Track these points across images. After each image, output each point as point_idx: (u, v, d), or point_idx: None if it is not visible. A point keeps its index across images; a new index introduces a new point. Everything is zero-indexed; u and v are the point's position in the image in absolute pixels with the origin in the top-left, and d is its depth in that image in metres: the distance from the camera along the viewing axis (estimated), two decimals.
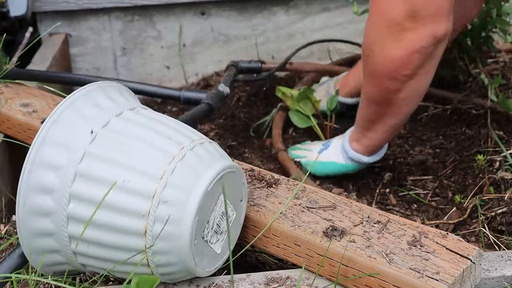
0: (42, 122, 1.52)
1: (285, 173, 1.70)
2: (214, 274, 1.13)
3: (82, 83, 1.69)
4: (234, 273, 1.17)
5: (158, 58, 2.29)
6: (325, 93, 1.95)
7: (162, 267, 1.05)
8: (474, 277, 1.08)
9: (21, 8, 2.09)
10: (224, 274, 1.14)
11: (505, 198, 1.48)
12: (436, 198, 1.64)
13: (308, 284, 1.12)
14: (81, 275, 1.23)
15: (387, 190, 1.67)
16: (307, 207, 1.21)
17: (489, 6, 1.82)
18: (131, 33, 2.25)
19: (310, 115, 1.85)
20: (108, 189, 1.03)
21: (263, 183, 1.27)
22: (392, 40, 1.35)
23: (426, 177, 1.71)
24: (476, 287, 1.10)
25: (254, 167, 1.32)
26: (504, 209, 1.46)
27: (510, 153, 1.66)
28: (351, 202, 1.22)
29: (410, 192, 1.65)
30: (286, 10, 2.28)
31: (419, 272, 1.05)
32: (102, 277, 1.15)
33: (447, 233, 1.13)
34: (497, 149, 1.72)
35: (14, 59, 1.95)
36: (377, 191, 1.67)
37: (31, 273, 1.10)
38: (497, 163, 1.67)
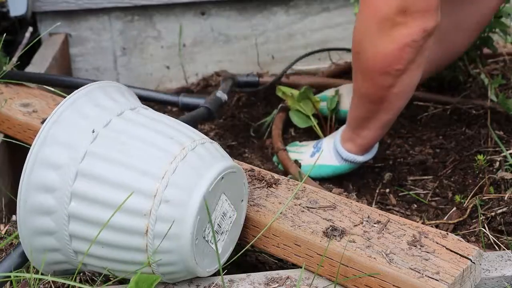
0: (42, 122, 1.53)
1: (285, 173, 1.70)
2: (214, 274, 1.13)
3: (79, 86, 1.69)
4: (234, 273, 1.17)
5: (158, 58, 2.29)
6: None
7: (163, 267, 1.05)
8: (474, 277, 1.08)
9: (21, 8, 2.09)
10: (224, 274, 1.14)
11: (505, 198, 1.48)
12: (436, 198, 1.64)
13: (308, 284, 1.12)
14: (81, 274, 1.23)
15: (387, 190, 1.67)
16: (307, 207, 1.21)
17: None
18: (131, 33, 2.25)
19: (310, 115, 1.85)
20: (109, 188, 1.03)
21: (263, 183, 1.27)
22: (383, 35, 1.36)
23: (426, 177, 1.71)
24: (476, 287, 1.10)
25: (254, 167, 1.32)
26: (504, 209, 1.46)
27: (510, 153, 1.66)
28: (351, 202, 1.22)
29: (410, 192, 1.65)
30: (286, 10, 2.28)
31: (419, 272, 1.05)
32: (102, 277, 1.15)
33: (447, 233, 1.13)
34: (497, 149, 1.72)
35: (14, 59, 1.95)
36: (377, 191, 1.67)
37: (32, 272, 1.10)
38: (497, 163, 1.67)
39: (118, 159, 1.05)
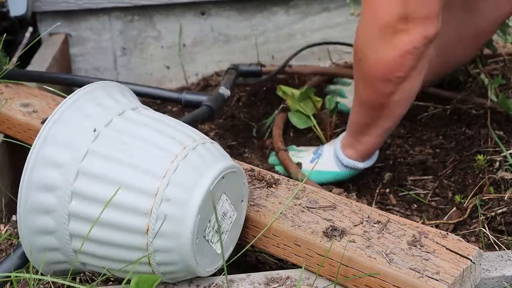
0: (42, 122, 1.53)
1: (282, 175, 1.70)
2: (214, 274, 1.13)
3: (81, 84, 1.69)
4: (234, 273, 1.17)
5: (158, 58, 2.29)
6: None
7: (163, 266, 1.06)
8: (474, 277, 1.08)
9: (21, 8, 2.09)
10: (224, 274, 1.14)
11: (505, 198, 1.48)
12: (436, 198, 1.64)
13: (308, 284, 1.12)
14: (81, 274, 1.23)
15: (387, 190, 1.67)
16: (307, 207, 1.21)
17: None
18: (131, 33, 2.25)
19: (310, 115, 1.85)
20: (110, 187, 1.03)
21: (263, 183, 1.27)
22: (385, 42, 1.36)
23: (426, 177, 1.71)
24: (476, 287, 1.10)
25: (254, 167, 1.32)
26: (504, 209, 1.46)
27: (510, 153, 1.66)
28: (351, 202, 1.22)
29: (410, 192, 1.65)
30: (286, 10, 2.28)
31: (419, 272, 1.05)
32: (101, 276, 1.15)
33: (447, 233, 1.13)
34: (497, 149, 1.72)
35: (14, 59, 1.95)
36: (377, 191, 1.67)
37: (32, 272, 1.10)
38: (497, 163, 1.67)
39: (119, 158, 1.05)
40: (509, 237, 1.41)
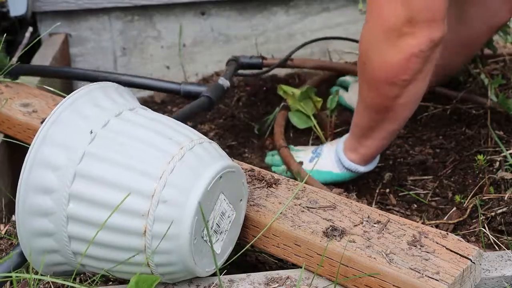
0: (42, 122, 1.53)
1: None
2: (214, 274, 1.13)
3: (85, 77, 1.69)
4: (234, 273, 1.17)
5: (158, 58, 2.29)
6: None
7: (161, 267, 1.05)
8: (474, 277, 1.08)
9: (21, 8, 2.09)
10: (224, 274, 1.14)
11: (505, 198, 1.48)
12: (436, 198, 1.64)
13: (308, 284, 1.12)
14: (81, 275, 1.23)
15: (387, 190, 1.67)
16: (307, 207, 1.21)
17: None
18: (131, 33, 2.25)
19: (310, 115, 1.85)
20: (107, 189, 1.03)
21: (263, 183, 1.27)
22: (390, 45, 1.36)
23: (426, 177, 1.71)
24: (476, 287, 1.10)
25: (254, 167, 1.32)
26: (504, 209, 1.46)
27: (510, 153, 1.66)
28: (351, 202, 1.22)
29: (410, 192, 1.65)
30: (286, 10, 2.28)
31: (419, 272, 1.05)
32: (100, 277, 1.15)
33: (447, 233, 1.13)
34: (497, 149, 1.72)
35: (14, 59, 1.95)
36: (377, 191, 1.67)
37: (32, 272, 1.10)
38: (497, 163, 1.67)
39: (116, 160, 1.05)
40: (509, 237, 1.41)
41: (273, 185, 1.27)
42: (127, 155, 1.05)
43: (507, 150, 1.68)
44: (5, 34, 1.73)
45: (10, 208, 1.55)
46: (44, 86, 1.72)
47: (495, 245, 1.38)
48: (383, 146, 1.59)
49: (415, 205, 1.62)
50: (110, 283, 1.20)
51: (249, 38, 2.30)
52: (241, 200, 1.15)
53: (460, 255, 1.08)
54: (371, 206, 1.46)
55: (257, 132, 1.95)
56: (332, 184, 1.66)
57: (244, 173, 1.16)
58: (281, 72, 2.26)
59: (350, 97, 1.92)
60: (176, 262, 1.05)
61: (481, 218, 1.46)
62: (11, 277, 1.07)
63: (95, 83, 1.16)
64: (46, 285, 1.21)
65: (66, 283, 1.03)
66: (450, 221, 1.51)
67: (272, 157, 1.77)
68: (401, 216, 1.31)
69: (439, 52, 1.39)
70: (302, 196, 1.24)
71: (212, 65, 2.31)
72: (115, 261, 1.06)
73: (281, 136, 1.81)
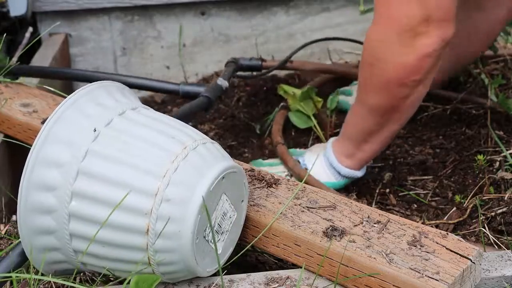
0: (42, 122, 1.53)
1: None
2: (215, 274, 1.13)
3: (84, 78, 1.69)
4: (234, 273, 1.17)
5: (158, 58, 2.29)
6: None
7: (163, 266, 1.06)
8: (474, 277, 1.08)
9: (21, 8, 2.09)
10: (224, 274, 1.14)
11: (505, 198, 1.48)
12: (436, 198, 1.64)
13: (308, 284, 1.12)
14: (81, 274, 1.23)
15: (387, 190, 1.67)
16: (307, 207, 1.21)
17: None
18: (131, 33, 2.25)
19: (311, 115, 1.85)
20: (110, 187, 1.03)
21: (263, 183, 1.27)
22: (404, 46, 1.34)
23: (426, 177, 1.71)
24: (476, 287, 1.10)
25: (254, 167, 1.32)
26: (504, 209, 1.46)
27: (510, 153, 1.66)
28: (351, 202, 1.22)
29: (410, 192, 1.65)
30: (286, 10, 2.28)
31: (419, 272, 1.05)
32: (101, 277, 1.15)
33: (447, 233, 1.13)
34: (497, 149, 1.72)
35: (14, 59, 1.95)
36: (377, 191, 1.67)
37: (32, 272, 1.10)
38: (497, 163, 1.67)
39: (120, 158, 1.05)
40: (509, 237, 1.41)
41: (273, 185, 1.27)
42: (131, 154, 1.05)
43: (507, 150, 1.68)
44: (5, 34, 1.73)
45: (10, 208, 1.55)
46: (44, 86, 1.72)
47: (495, 245, 1.38)
48: (380, 150, 1.57)
49: (415, 205, 1.62)
50: (110, 283, 1.20)
51: (249, 38, 2.30)
52: (242, 201, 1.15)
53: (460, 255, 1.08)
54: (371, 206, 1.46)
55: (259, 131, 1.95)
56: None
57: (245, 174, 1.16)
58: (281, 72, 2.26)
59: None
60: (178, 261, 1.05)
61: (481, 218, 1.46)
62: (11, 277, 1.07)
63: (97, 82, 1.16)
64: (47, 284, 1.21)
65: (67, 283, 1.03)
66: (450, 221, 1.51)
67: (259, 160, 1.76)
68: (401, 216, 1.31)
69: (446, 51, 1.38)
70: (302, 196, 1.24)
71: (212, 65, 2.31)
72: (116, 259, 1.06)
73: (278, 133, 1.81)
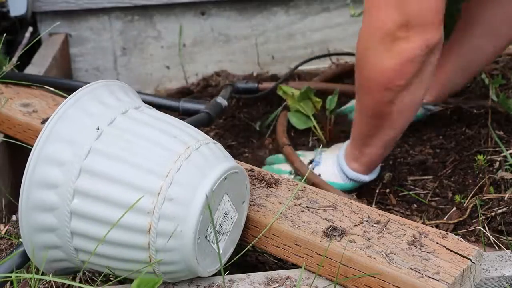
0: (42, 123, 1.53)
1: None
2: (215, 274, 1.13)
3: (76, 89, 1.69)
4: (234, 273, 1.17)
5: (158, 58, 2.29)
6: None
7: (164, 265, 1.06)
8: (474, 277, 1.09)
9: (21, 8, 2.09)
10: (225, 274, 1.14)
11: (505, 198, 1.48)
12: (436, 198, 1.64)
13: (308, 284, 1.12)
14: (81, 274, 1.23)
15: (387, 190, 1.67)
16: (307, 207, 1.21)
17: None
18: (131, 33, 2.25)
19: (310, 115, 1.85)
20: (112, 186, 1.03)
21: (263, 183, 1.27)
22: (385, 50, 1.34)
23: (426, 177, 1.71)
24: (476, 287, 1.10)
25: (254, 167, 1.32)
26: (504, 209, 1.46)
27: (510, 153, 1.67)
28: (351, 202, 1.22)
29: (410, 192, 1.65)
30: (286, 10, 2.28)
31: (419, 272, 1.05)
32: (102, 276, 1.15)
33: (447, 233, 1.13)
34: (497, 149, 1.72)
35: (14, 59, 1.94)
36: (377, 191, 1.67)
37: (33, 272, 1.10)
38: (497, 163, 1.67)
39: (122, 157, 1.05)
40: (509, 237, 1.41)
41: (273, 185, 1.27)
42: (133, 153, 1.05)
43: (507, 150, 1.68)
44: (5, 34, 1.73)
45: (10, 208, 1.55)
46: (44, 86, 1.72)
47: (495, 245, 1.38)
48: (383, 154, 1.57)
49: (415, 205, 1.62)
50: (110, 283, 1.20)
51: (249, 38, 2.30)
52: (243, 201, 1.15)
53: (460, 255, 1.08)
54: (371, 206, 1.46)
55: (258, 128, 1.95)
56: None
57: (247, 175, 1.16)
58: (281, 72, 2.26)
59: None
60: (179, 261, 1.05)
61: (481, 218, 1.46)
62: (11, 277, 1.07)
63: (99, 81, 1.16)
64: (47, 284, 1.21)
65: (67, 282, 1.03)
66: (450, 221, 1.51)
67: (275, 157, 1.76)
68: (401, 216, 1.31)
69: (437, 59, 1.37)
70: (302, 196, 1.24)
71: (212, 65, 2.31)
72: (117, 258, 1.06)
73: (283, 134, 1.81)
